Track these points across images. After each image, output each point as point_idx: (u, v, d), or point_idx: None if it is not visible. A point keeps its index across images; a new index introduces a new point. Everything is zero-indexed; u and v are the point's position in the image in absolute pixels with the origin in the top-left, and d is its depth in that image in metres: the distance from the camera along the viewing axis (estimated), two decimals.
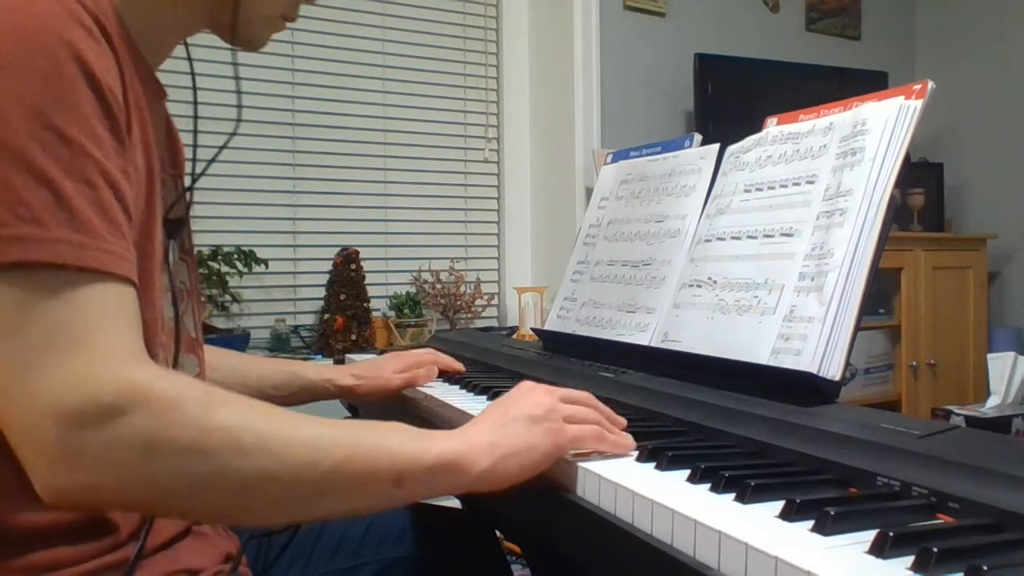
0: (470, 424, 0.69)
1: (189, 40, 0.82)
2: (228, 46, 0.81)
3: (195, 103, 0.83)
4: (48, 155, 0.55)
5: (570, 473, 0.68)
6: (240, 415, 0.58)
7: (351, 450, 0.60)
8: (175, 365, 0.77)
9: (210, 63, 0.84)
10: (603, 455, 0.70)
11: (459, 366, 1.17)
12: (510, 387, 0.74)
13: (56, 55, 0.57)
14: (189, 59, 0.84)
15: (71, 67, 0.58)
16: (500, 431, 0.67)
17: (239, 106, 0.82)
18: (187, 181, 0.85)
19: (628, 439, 0.72)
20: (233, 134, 0.82)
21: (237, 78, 0.82)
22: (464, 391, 1.05)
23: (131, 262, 0.60)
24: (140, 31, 0.71)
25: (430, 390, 1.06)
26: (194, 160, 0.84)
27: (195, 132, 0.83)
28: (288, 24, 0.82)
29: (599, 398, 0.91)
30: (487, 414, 0.70)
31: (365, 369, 1.13)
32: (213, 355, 1.00)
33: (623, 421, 0.75)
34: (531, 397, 0.70)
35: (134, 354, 0.58)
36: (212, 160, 0.82)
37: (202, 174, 0.84)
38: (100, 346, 0.55)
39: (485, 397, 0.99)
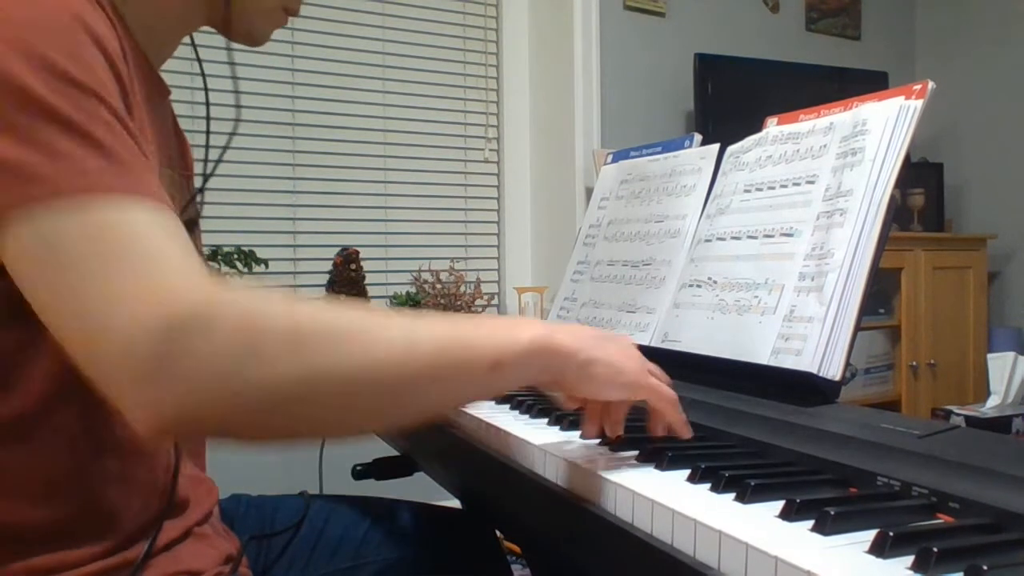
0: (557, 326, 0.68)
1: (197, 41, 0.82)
2: (230, 44, 0.80)
3: (207, 104, 0.83)
4: (70, 104, 0.54)
5: (570, 474, 0.68)
6: (326, 308, 0.56)
7: (446, 332, 0.59)
8: None
9: (211, 63, 0.84)
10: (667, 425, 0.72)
11: None
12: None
13: (60, 15, 0.57)
14: (198, 59, 0.83)
15: (77, 27, 0.57)
16: (593, 338, 0.67)
17: (238, 105, 0.82)
18: (197, 181, 0.84)
19: (688, 428, 0.73)
20: (233, 133, 0.82)
21: (235, 77, 0.82)
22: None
23: (167, 199, 0.59)
24: (139, 26, 0.70)
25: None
26: (206, 159, 0.83)
27: (207, 132, 0.83)
28: (291, 17, 0.82)
29: None
30: (575, 326, 0.70)
31: None
32: None
33: None
34: (623, 340, 0.72)
35: (204, 270, 0.56)
36: (220, 159, 0.82)
37: (212, 174, 0.83)
38: (174, 257, 0.54)
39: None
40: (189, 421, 0.51)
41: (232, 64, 0.81)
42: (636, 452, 0.71)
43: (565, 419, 0.82)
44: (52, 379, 0.61)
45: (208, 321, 0.51)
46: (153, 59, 0.75)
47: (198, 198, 0.83)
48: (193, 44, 0.83)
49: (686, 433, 0.72)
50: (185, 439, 0.59)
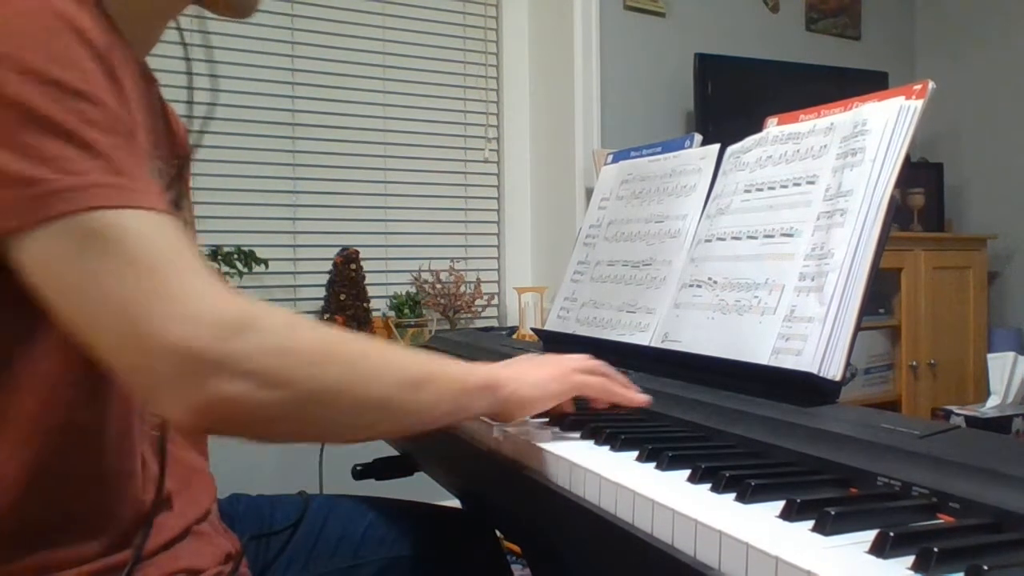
0: (498, 365, 0.80)
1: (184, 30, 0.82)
2: (221, 32, 0.80)
3: (190, 88, 0.82)
4: (66, 112, 0.56)
5: (570, 474, 0.68)
6: (342, 332, 0.64)
7: (432, 367, 0.70)
8: None
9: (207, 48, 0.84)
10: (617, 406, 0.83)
11: None
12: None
13: (46, 18, 0.57)
14: (183, 43, 0.83)
15: (64, 29, 0.58)
16: (522, 368, 0.80)
17: (213, 89, 0.83)
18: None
19: (639, 395, 0.83)
20: (206, 117, 0.82)
21: (211, 60, 0.83)
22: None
23: (167, 202, 0.61)
24: (123, 17, 0.69)
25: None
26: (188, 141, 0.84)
27: (191, 117, 0.83)
28: (291, 17, 0.82)
29: None
30: (513, 360, 0.83)
31: None
32: None
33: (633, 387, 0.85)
34: (550, 355, 0.85)
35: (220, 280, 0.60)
36: (198, 143, 0.82)
37: (190, 156, 0.83)
38: (194, 270, 0.57)
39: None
40: (220, 415, 0.56)
41: (208, 48, 0.83)
42: (636, 452, 0.71)
43: (564, 419, 0.82)
44: (42, 380, 0.61)
45: (254, 325, 0.57)
46: (138, 48, 0.74)
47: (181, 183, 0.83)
48: (179, 28, 0.82)
49: (637, 400, 0.83)
50: (210, 434, 0.67)
